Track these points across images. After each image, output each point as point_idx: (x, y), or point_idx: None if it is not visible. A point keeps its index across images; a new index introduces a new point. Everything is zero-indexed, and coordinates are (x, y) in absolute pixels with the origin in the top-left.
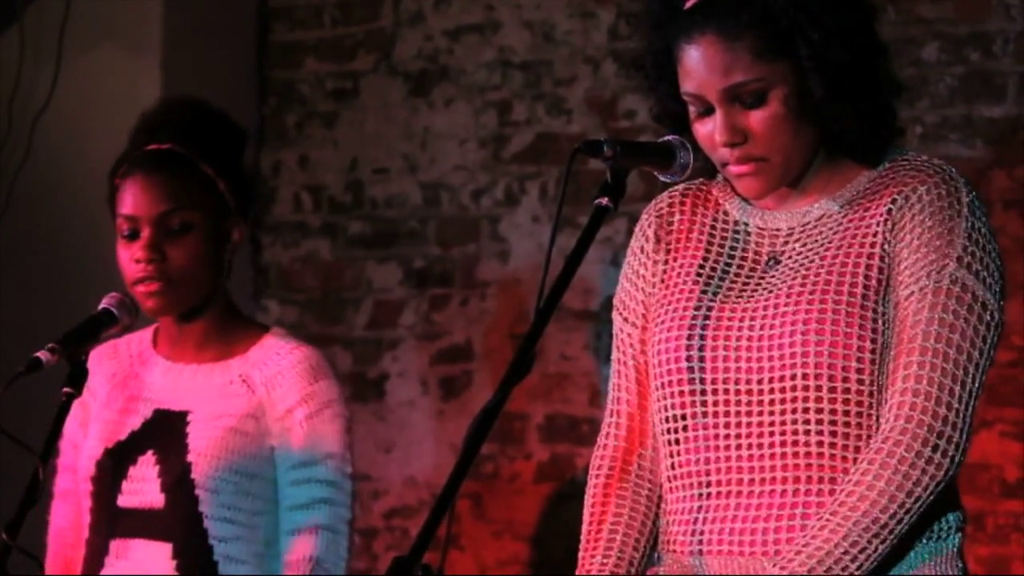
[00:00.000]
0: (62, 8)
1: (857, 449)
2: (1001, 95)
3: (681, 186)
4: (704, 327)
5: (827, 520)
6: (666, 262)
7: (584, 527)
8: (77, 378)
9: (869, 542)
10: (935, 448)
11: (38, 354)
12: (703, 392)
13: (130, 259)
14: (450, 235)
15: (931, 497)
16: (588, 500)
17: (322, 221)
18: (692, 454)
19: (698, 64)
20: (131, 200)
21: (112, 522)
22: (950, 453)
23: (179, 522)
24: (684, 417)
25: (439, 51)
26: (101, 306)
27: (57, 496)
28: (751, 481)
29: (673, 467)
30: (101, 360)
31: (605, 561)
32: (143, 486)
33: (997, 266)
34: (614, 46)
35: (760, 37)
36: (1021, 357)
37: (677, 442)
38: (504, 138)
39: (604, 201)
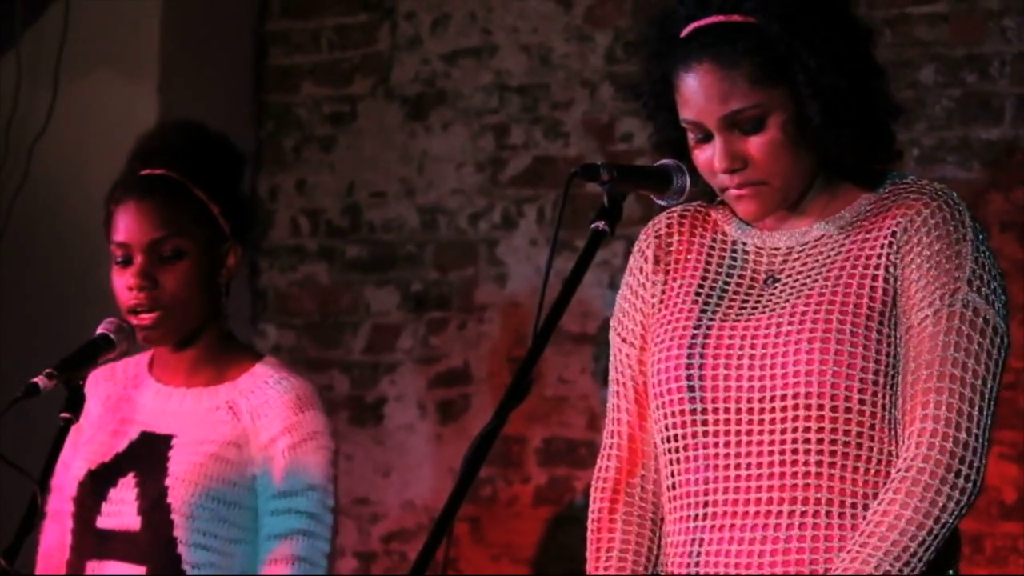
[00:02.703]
0: (59, 33)
1: (856, 470)
2: (998, 117)
3: (679, 207)
4: (704, 346)
5: (857, 552)
6: (665, 283)
7: (590, 550)
8: (75, 403)
9: (900, 571)
10: (958, 473)
11: (35, 379)
12: (703, 411)
13: (123, 286)
14: (448, 259)
15: (956, 521)
16: (592, 523)
17: (319, 245)
18: (691, 474)
19: (696, 92)
20: (123, 227)
21: (90, 543)
22: (972, 477)
23: (153, 546)
24: (683, 437)
25: (436, 75)
26: (99, 331)
27: (48, 516)
28: (747, 502)
29: (673, 487)
30: (98, 382)
31: None
32: (121, 508)
33: (1003, 289)
34: (611, 69)
35: (757, 64)
36: (1019, 379)
37: (677, 462)
38: (501, 162)
39: (601, 225)
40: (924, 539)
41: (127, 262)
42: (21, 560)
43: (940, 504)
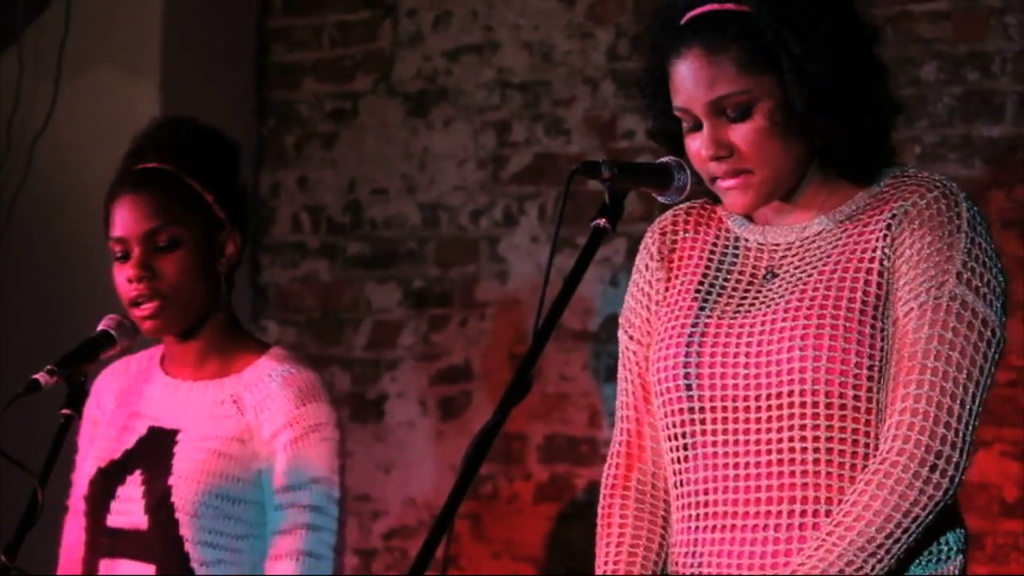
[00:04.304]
0: (61, 29)
1: (853, 468)
2: (999, 115)
3: (686, 204)
4: (701, 344)
5: (823, 540)
6: (668, 280)
7: (599, 546)
8: (76, 399)
9: (865, 561)
10: (933, 468)
11: (36, 376)
12: (701, 410)
13: (123, 280)
14: (449, 256)
15: (930, 517)
16: (602, 519)
17: (321, 242)
18: (692, 473)
19: (685, 78)
20: (119, 221)
21: (102, 541)
22: (949, 473)
23: (161, 545)
24: (684, 436)
25: (438, 72)
26: (99, 328)
27: (69, 512)
28: (746, 502)
29: (677, 485)
30: (113, 376)
31: None
32: (129, 506)
33: (999, 282)
34: (613, 66)
35: (745, 50)
36: (1020, 377)
37: (681, 460)
38: (503, 159)
39: (602, 222)
40: (892, 531)
41: (126, 256)
42: (24, 557)
43: (911, 498)
